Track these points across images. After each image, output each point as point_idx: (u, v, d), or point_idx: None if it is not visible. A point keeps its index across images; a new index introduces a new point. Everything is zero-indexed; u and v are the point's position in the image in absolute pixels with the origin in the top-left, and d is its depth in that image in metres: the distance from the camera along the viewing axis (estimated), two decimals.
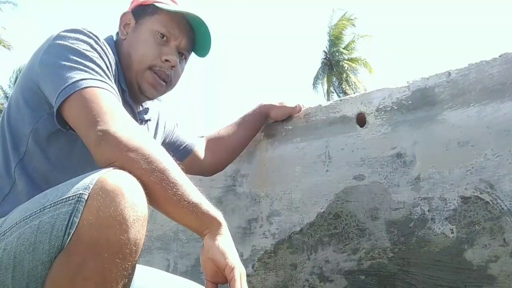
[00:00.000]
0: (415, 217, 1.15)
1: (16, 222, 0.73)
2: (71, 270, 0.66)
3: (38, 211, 0.71)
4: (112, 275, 0.67)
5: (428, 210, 1.13)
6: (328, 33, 23.35)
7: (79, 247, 0.66)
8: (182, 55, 1.10)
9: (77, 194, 0.69)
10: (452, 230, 1.10)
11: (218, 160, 1.38)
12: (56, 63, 0.87)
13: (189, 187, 0.80)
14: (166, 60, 1.05)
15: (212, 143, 1.38)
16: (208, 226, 0.81)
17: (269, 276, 1.37)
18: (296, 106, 1.39)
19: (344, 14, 23.02)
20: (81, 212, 0.67)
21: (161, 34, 1.05)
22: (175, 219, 0.82)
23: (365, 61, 22.97)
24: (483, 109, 1.09)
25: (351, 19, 22.99)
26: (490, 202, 1.06)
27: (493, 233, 1.05)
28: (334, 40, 23.14)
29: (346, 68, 22.88)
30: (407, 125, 1.19)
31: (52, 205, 0.71)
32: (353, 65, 23.03)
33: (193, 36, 1.10)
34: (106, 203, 0.67)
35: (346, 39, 23.34)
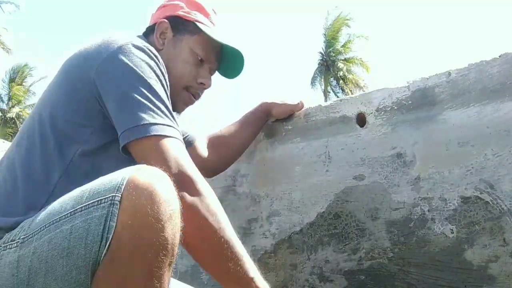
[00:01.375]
0: (415, 217, 1.15)
1: (45, 225, 0.72)
2: (119, 277, 0.67)
3: (69, 214, 0.70)
4: (160, 271, 0.68)
5: (428, 210, 1.13)
6: (324, 34, 23.39)
7: (122, 252, 0.66)
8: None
9: (109, 197, 0.68)
10: (452, 230, 1.10)
11: (221, 160, 1.37)
12: (124, 92, 0.86)
13: (248, 262, 0.83)
14: (201, 83, 1.11)
15: (214, 142, 1.37)
16: None
17: (269, 276, 1.37)
18: (298, 103, 1.38)
19: (339, 15, 23.05)
20: (116, 215, 0.67)
21: (199, 56, 1.09)
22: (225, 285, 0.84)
23: (361, 61, 23.00)
24: (483, 109, 1.09)
25: (347, 19, 23.02)
26: (490, 202, 1.06)
27: (493, 233, 1.05)
28: (330, 40, 23.17)
29: (342, 67, 22.89)
30: (407, 125, 1.20)
31: (83, 208, 0.70)
32: (350, 64, 23.05)
33: (221, 59, 1.16)
34: (142, 202, 0.67)
35: (342, 40, 23.40)
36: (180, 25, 1.10)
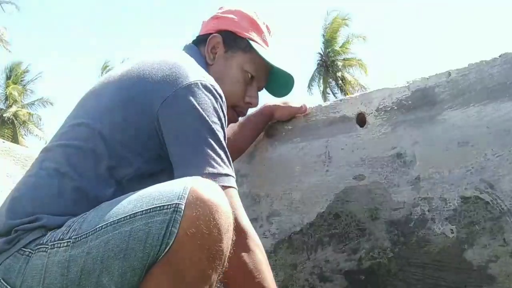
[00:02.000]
0: (415, 217, 1.15)
1: (101, 226, 0.72)
2: (173, 277, 0.68)
3: (128, 217, 0.71)
4: (212, 279, 0.71)
5: (428, 210, 1.14)
6: (323, 34, 23.39)
7: (180, 257, 0.68)
8: None
9: (172, 204, 0.70)
10: (452, 230, 1.10)
11: None
12: (189, 134, 0.86)
13: None
14: (248, 102, 1.12)
15: None
16: None
17: None
18: (301, 106, 1.38)
19: (337, 15, 23.06)
20: (179, 222, 0.69)
21: (250, 74, 1.10)
22: None
23: (361, 62, 23.02)
24: (483, 109, 1.09)
25: (345, 19, 23.04)
26: (490, 202, 1.06)
27: (493, 233, 1.05)
28: (329, 41, 23.18)
29: (341, 67, 22.89)
30: (407, 125, 1.20)
31: (144, 212, 0.71)
32: (348, 65, 23.05)
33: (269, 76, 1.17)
34: (205, 212, 0.69)
35: (341, 40, 23.40)
36: (232, 41, 1.09)
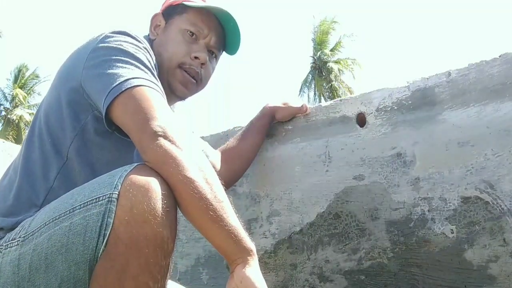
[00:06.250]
0: (415, 217, 1.15)
1: (45, 222, 0.73)
2: (117, 272, 0.67)
3: (68, 212, 0.72)
4: (157, 267, 0.68)
5: (428, 210, 1.13)
6: (313, 39, 23.40)
7: (119, 248, 0.67)
8: (213, 54, 1.11)
9: (107, 194, 0.69)
10: (452, 230, 1.10)
11: (232, 172, 1.35)
12: (102, 65, 0.85)
13: (230, 208, 0.78)
14: (196, 57, 1.05)
15: (224, 156, 1.35)
16: (242, 255, 0.76)
17: (269, 276, 1.37)
18: (302, 106, 1.37)
19: (325, 18, 23.17)
20: (114, 212, 0.68)
21: (190, 32, 1.06)
22: (209, 238, 0.77)
23: (355, 61, 23.03)
24: (483, 109, 1.09)
25: (334, 22, 23.13)
26: (490, 202, 1.06)
27: (493, 233, 1.05)
28: (320, 43, 23.19)
29: (335, 69, 22.85)
30: (407, 125, 1.19)
31: (81, 205, 0.71)
32: (341, 66, 23.04)
33: (222, 34, 1.10)
34: (138, 199, 0.68)
35: (332, 41, 23.47)
36: (170, 12, 1.09)
